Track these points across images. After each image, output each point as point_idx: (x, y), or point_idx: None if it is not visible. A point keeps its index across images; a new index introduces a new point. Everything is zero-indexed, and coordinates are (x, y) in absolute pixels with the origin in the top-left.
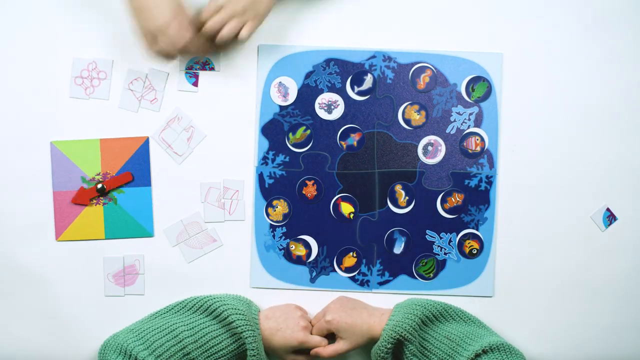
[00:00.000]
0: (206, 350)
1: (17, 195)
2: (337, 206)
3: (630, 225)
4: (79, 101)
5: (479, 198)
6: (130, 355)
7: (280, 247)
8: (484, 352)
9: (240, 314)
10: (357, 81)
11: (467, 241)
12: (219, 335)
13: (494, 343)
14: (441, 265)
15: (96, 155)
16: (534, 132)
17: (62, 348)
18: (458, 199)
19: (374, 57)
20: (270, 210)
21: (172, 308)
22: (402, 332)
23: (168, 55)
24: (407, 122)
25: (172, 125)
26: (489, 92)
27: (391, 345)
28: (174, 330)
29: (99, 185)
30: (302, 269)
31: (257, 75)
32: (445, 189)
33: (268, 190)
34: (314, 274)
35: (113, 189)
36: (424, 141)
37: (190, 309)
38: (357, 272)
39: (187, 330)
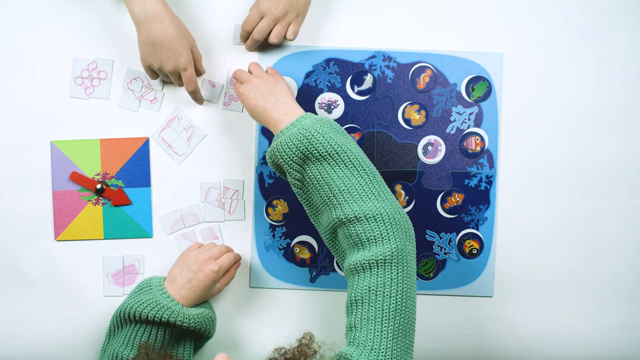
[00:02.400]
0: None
1: (17, 194)
2: None
3: (630, 225)
4: (79, 101)
5: (479, 198)
6: None
7: (280, 247)
8: (365, 218)
9: (146, 304)
10: (357, 81)
11: (467, 241)
12: (150, 332)
13: (376, 211)
14: (441, 265)
15: (96, 155)
16: (534, 132)
17: (62, 348)
18: (458, 199)
19: (374, 57)
20: (270, 210)
21: (108, 334)
22: (278, 161)
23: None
24: (407, 122)
25: (172, 125)
26: (489, 92)
27: (272, 162)
28: (117, 356)
29: (98, 186)
30: (302, 269)
31: None
32: (445, 189)
33: (268, 190)
34: (314, 273)
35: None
36: (424, 141)
37: (117, 327)
38: None
39: (126, 348)
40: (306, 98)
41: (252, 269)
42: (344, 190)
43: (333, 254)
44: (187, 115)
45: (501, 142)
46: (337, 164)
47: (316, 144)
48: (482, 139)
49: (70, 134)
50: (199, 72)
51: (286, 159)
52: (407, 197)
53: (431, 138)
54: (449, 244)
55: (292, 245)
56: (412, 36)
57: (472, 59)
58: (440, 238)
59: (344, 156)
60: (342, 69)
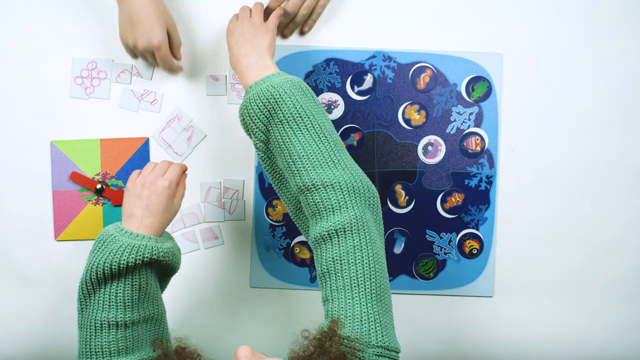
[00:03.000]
0: (142, 302)
1: (17, 194)
2: None
3: (630, 225)
4: (79, 101)
5: (479, 198)
6: None
7: (280, 247)
8: (323, 186)
9: (119, 253)
10: (357, 81)
11: (467, 241)
12: (131, 283)
13: (330, 180)
14: (441, 265)
15: (96, 155)
16: (534, 132)
17: (62, 348)
18: (458, 199)
19: (374, 57)
20: (270, 210)
21: (79, 310)
22: (245, 118)
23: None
24: (407, 122)
25: (172, 125)
26: (489, 92)
27: (242, 120)
28: (100, 323)
29: (98, 186)
30: (302, 269)
31: None
32: (445, 189)
33: (268, 190)
34: (314, 273)
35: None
36: (424, 141)
37: (88, 295)
38: None
39: (109, 311)
40: None
41: (252, 269)
42: (303, 156)
43: (298, 227)
44: (187, 115)
45: (501, 142)
46: (299, 128)
47: (282, 104)
48: (482, 139)
49: (70, 134)
50: (175, 57)
51: (253, 116)
52: (407, 197)
53: (431, 138)
54: (449, 244)
55: (292, 245)
56: (412, 36)
57: (472, 59)
58: (441, 238)
59: (307, 121)
60: (342, 69)
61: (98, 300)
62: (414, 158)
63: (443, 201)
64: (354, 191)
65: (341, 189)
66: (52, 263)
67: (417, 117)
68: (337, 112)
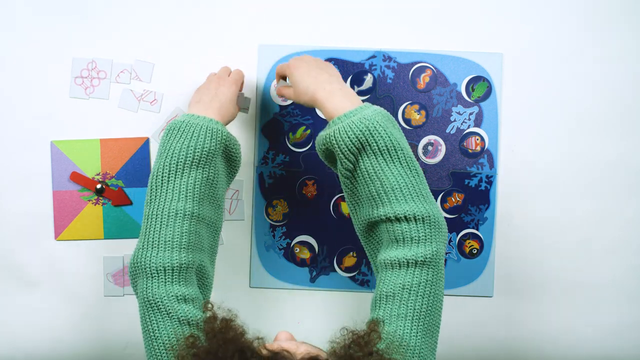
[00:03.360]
0: (211, 198)
1: (17, 194)
2: (337, 206)
3: (631, 225)
4: (79, 101)
5: (479, 198)
6: (167, 268)
7: (280, 247)
8: (407, 219)
9: (198, 136)
10: (357, 81)
11: (467, 241)
12: (209, 171)
13: (422, 212)
14: None
15: (96, 155)
16: (534, 132)
17: (62, 348)
18: (458, 199)
19: (374, 57)
20: (270, 210)
21: (148, 201)
22: (333, 147)
23: None
24: (407, 121)
25: None
26: (489, 92)
27: (325, 148)
28: (177, 212)
29: (98, 186)
30: (302, 269)
31: (257, 75)
32: (445, 189)
33: (268, 190)
34: (314, 273)
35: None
36: (424, 141)
37: (160, 185)
38: (357, 272)
39: (185, 201)
40: None
41: (252, 269)
42: (396, 187)
43: (363, 245)
44: None
45: (501, 142)
46: (392, 160)
47: (377, 136)
48: (482, 139)
49: (70, 134)
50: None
51: (343, 147)
52: None
53: (431, 138)
54: (449, 244)
55: (292, 245)
56: (412, 36)
57: (472, 59)
58: None
59: (400, 153)
60: (342, 69)
61: (173, 189)
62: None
63: (443, 201)
64: (439, 226)
65: (430, 223)
66: (52, 263)
67: (417, 117)
68: None
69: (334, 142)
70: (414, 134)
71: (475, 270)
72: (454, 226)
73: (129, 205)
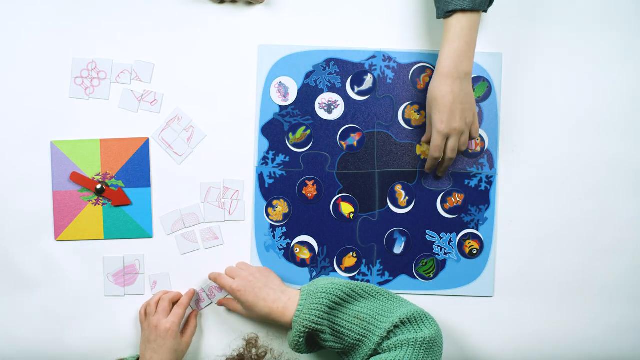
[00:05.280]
0: None
1: (17, 194)
2: (337, 206)
3: (631, 225)
4: (79, 101)
5: (479, 198)
6: None
7: (280, 247)
8: (396, 327)
9: None
10: (357, 81)
11: (467, 241)
12: None
13: (404, 315)
14: (441, 265)
15: (96, 155)
16: (534, 132)
17: (62, 348)
18: (458, 199)
19: (374, 57)
20: (270, 210)
21: None
22: (310, 325)
23: None
24: (407, 122)
25: (172, 125)
26: (489, 92)
27: (304, 336)
28: None
29: (98, 186)
30: (302, 269)
31: (257, 75)
32: (445, 189)
33: (268, 190)
34: (314, 274)
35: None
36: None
37: None
38: (357, 272)
39: None
40: (306, 98)
41: None
42: (374, 314)
43: None
44: (187, 116)
45: (501, 142)
46: (356, 298)
47: (335, 292)
48: (482, 139)
49: (70, 134)
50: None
51: (318, 322)
52: (407, 197)
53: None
54: (449, 244)
55: (292, 245)
56: (412, 36)
57: None
58: (441, 238)
59: (358, 290)
60: (342, 69)
61: None
62: (414, 158)
63: (443, 201)
64: (426, 316)
65: (416, 317)
66: (52, 263)
67: (417, 117)
68: (337, 113)
69: (310, 326)
70: (414, 134)
71: (475, 270)
72: (454, 226)
73: (129, 205)
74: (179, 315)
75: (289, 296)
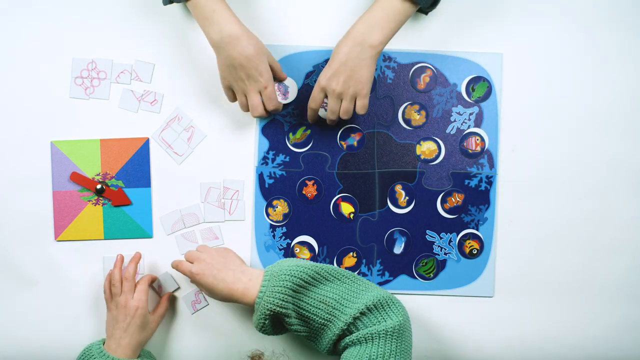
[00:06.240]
0: None
1: (17, 194)
2: (337, 206)
3: (631, 225)
4: (79, 101)
5: (479, 198)
6: None
7: (280, 247)
8: (362, 313)
9: None
10: None
11: (467, 241)
12: None
13: (370, 302)
14: (441, 265)
15: (96, 155)
16: (534, 132)
17: (62, 348)
18: (458, 199)
19: None
20: (270, 210)
21: None
22: (273, 308)
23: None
24: (407, 122)
25: (172, 125)
26: (489, 92)
27: (268, 318)
28: None
29: (98, 186)
30: None
31: None
32: (445, 189)
33: (268, 190)
34: None
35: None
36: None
37: None
38: (357, 272)
39: None
40: (306, 98)
41: None
42: (339, 299)
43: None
44: (187, 116)
45: (501, 142)
46: (321, 281)
47: (300, 274)
48: (482, 139)
49: (70, 134)
50: (280, 79)
51: (282, 305)
52: (407, 198)
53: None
54: (449, 244)
55: (292, 245)
56: (412, 36)
57: (472, 59)
58: (441, 238)
59: (323, 272)
60: None
61: None
62: (414, 158)
63: (443, 201)
64: (393, 302)
65: (382, 304)
66: (52, 263)
67: (417, 117)
68: None
69: (273, 308)
70: (414, 134)
71: (475, 270)
72: (454, 226)
73: (129, 205)
74: (144, 291)
75: (249, 277)
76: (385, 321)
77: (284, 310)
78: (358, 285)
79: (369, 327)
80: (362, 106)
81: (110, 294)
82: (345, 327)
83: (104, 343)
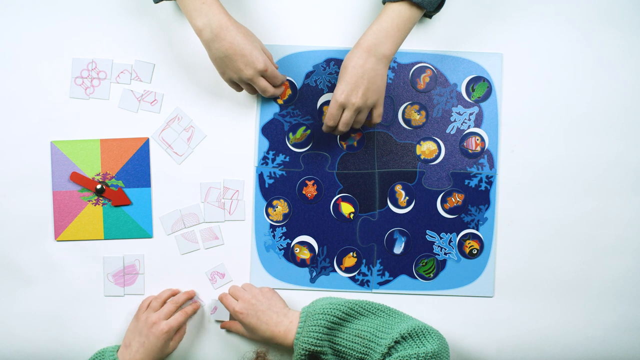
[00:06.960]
0: None
1: (17, 194)
2: (337, 206)
3: (631, 225)
4: (79, 101)
5: (479, 198)
6: None
7: (280, 247)
8: (397, 342)
9: None
10: None
11: (467, 241)
12: None
13: (405, 330)
14: (441, 265)
15: (96, 155)
16: (534, 132)
17: (62, 348)
18: (458, 199)
19: None
20: (270, 210)
21: None
22: (309, 348)
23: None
24: (407, 122)
25: (172, 125)
26: (489, 92)
27: (305, 358)
28: None
29: (98, 186)
30: (302, 269)
31: None
32: (445, 189)
33: (268, 190)
34: (314, 274)
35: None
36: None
37: None
38: (357, 272)
39: None
40: (306, 98)
41: (252, 269)
42: (374, 331)
43: None
44: (187, 116)
45: (501, 142)
46: (355, 317)
47: (333, 311)
48: (482, 139)
49: (70, 134)
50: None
51: (318, 343)
52: (407, 198)
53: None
54: (449, 244)
55: (292, 245)
56: (412, 36)
57: (472, 59)
58: (441, 238)
59: (357, 308)
60: None
61: None
62: (414, 158)
63: (443, 201)
64: (428, 330)
65: (418, 333)
66: (52, 263)
67: (417, 117)
68: None
69: (311, 348)
70: (414, 134)
71: (475, 270)
72: (454, 226)
73: (129, 205)
74: (178, 321)
75: (290, 319)
76: (419, 348)
77: (319, 349)
78: (393, 317)
79: (403, 351)
80: (379, 115)
81: (148, 305)
82: (382, 358)
83: (117, 350)
